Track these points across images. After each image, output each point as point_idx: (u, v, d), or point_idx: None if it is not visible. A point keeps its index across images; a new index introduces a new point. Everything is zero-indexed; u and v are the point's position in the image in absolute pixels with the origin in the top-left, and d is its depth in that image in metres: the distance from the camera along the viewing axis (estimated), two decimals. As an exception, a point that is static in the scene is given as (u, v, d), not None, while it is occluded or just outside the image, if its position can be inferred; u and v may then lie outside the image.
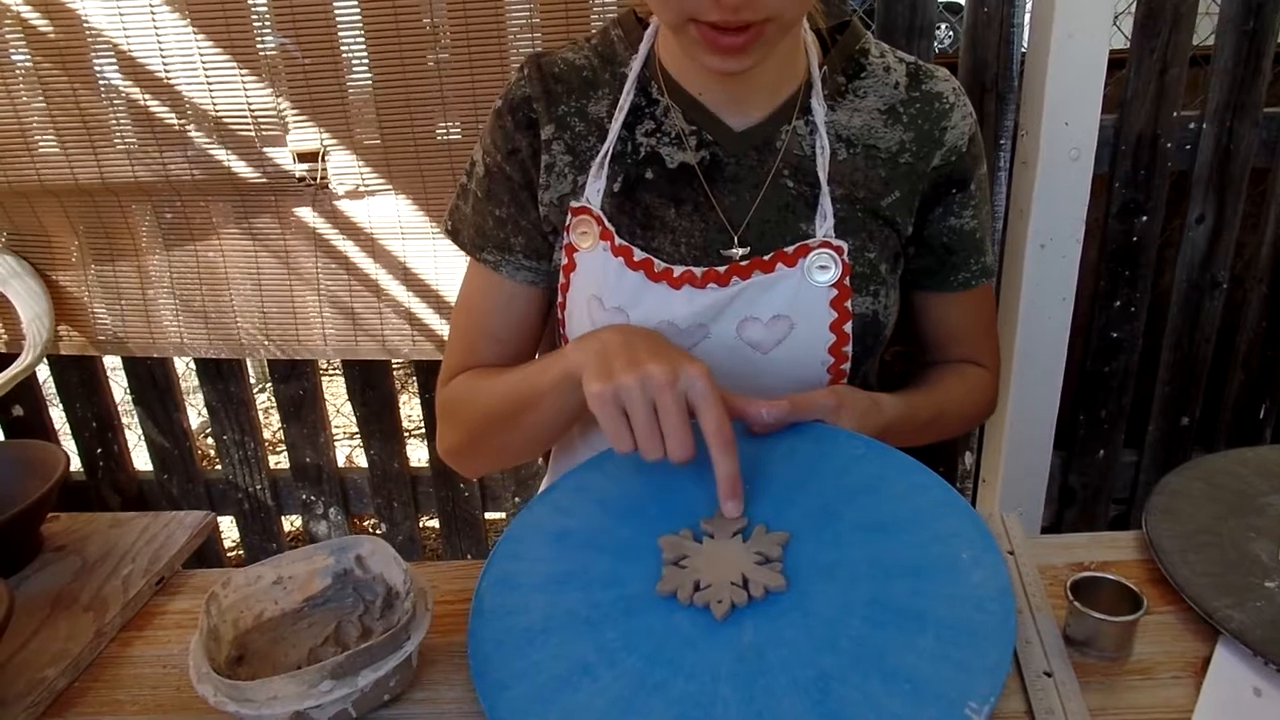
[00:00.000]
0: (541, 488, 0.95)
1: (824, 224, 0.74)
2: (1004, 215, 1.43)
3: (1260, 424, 1.65)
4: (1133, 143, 1.41)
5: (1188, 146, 1.43)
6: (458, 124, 1.38)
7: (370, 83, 1.36)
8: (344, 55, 1.35)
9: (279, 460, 1.83)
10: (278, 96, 1.37)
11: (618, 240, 0.75)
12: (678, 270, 0.74)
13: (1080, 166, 1.34)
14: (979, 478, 1.65)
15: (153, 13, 1.32)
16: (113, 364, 1.76)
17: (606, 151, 0.76)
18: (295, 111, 1.38)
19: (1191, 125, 1.42)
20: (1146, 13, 1.33)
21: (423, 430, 1.80)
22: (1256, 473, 0.77)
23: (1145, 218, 1.46)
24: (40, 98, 1.40)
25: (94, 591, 0.72)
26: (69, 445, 1.82)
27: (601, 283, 0.76)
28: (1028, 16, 1.35)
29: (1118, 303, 1.52)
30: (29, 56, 1.38)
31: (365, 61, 1.35)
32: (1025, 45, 1.37)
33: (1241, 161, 1.43)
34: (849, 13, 1.14)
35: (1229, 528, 0.70)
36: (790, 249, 0.74)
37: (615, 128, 0.76)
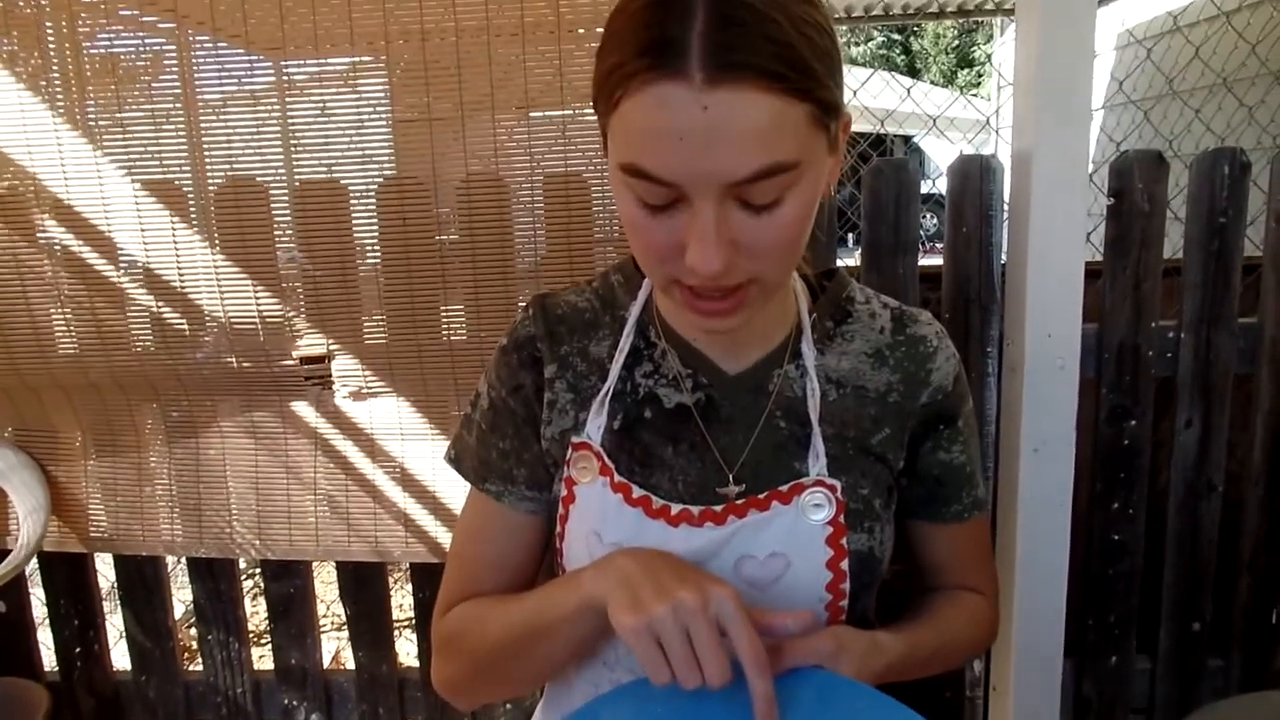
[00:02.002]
0: (536, 717, 0.92)
1: (816, 463, 0.76)
2: (995, 420, 1.46)
3: (1274, 629, 1.60)
4: (1115, 351, 1.45)
5: (1169, 354, 1.47)
6: (462, 328, 1.44)
7: (378, 283, 1.42)
8: (356, 244, 1.41)
9: (263, 657, 1.77)
10: (287, 305, 1.43)
11: (617, 476, 0.76)
12: (675, 508, 0.75)
13: (1067, 375, 1.38)
14: (989, 685, 1.59)
15: (174, 229, 1.40)
16: (103, 557, 1.73)
17: (607, 391, 0.78)
18: (304, 320, 1.43)
19: (1170, 334, 1.47)
20: (1116, 233, 1.41)
21: (413, 622, 1.75)
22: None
23: (1134, 421, 1.48)
24: (57, 302, 1.46)
25: None
26: (45, 637, 1.77)
27: (600, 518, 0.77)
28: (1005, 232, 1.43)
29: (1115, 505, 1.52)
30: (50, 265, 1.45)
31: (375, 260, 1.42)
32: (1004, 259, 1.44)
33: (1222, 369, 1.47)
34: (833, 261, 1.20)
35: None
36: (785, 488, 0.75)
37: (615, 369, 0.79)
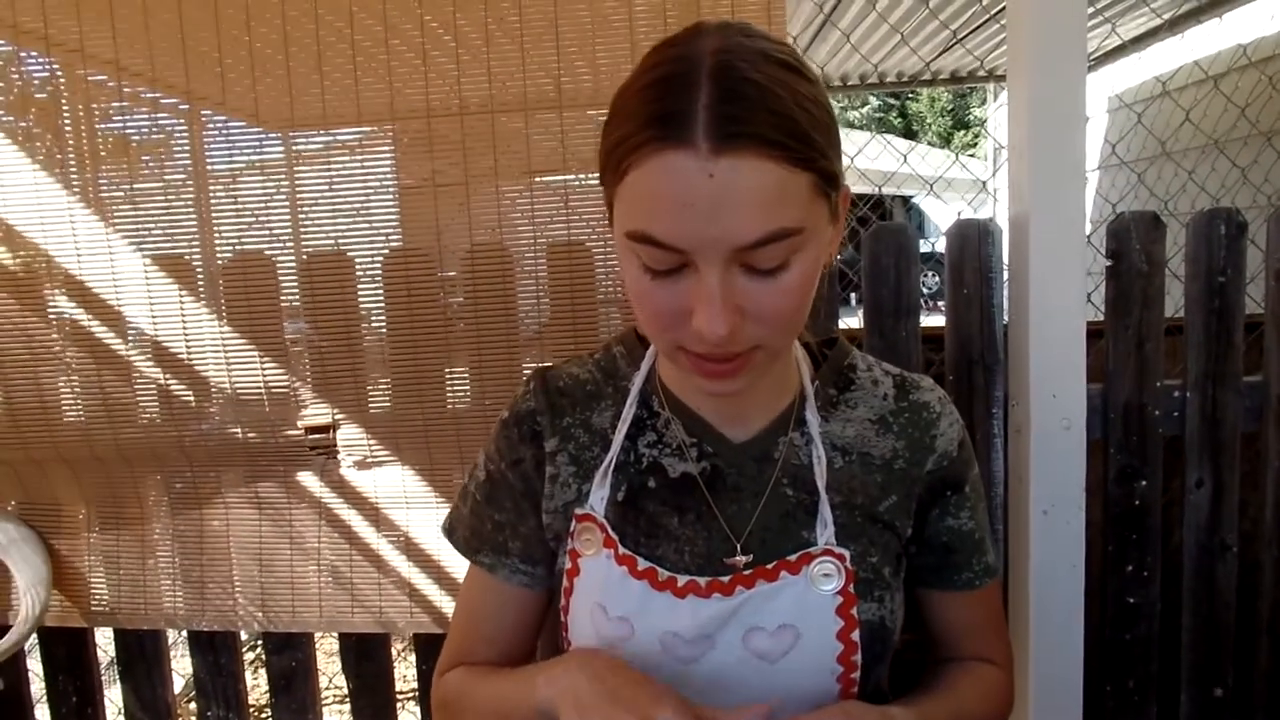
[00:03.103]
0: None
1: (825, 532, 0.75)
2: (1004, 482, 1.45)
3: (1298, 694, 1.56)
4: (1121, 411, 1.45)
5: (1175, 413, 1.47)
6: (466, 396, 1.44)
7: (383, 354, 1.42)
8: (361, 314, 1.43)
9: (263, 734, 1.73)
10: (293, 375, 1.43)
11: (621, 549, 0.76)
12: (682, 580, 0.74)
13: (1073, 435, 1.37)
14: (1007, 756, 1.54)
15: (182, 302, 1.42)
16: (103, 630, 1.71)
17: (610, 461, 0.78)
18: (309, 390, 1.44)
19: (1176, 393, 1.46)
20: (1116, 294, 1.42)
21: (416, 694, 1.71)
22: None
23: (1144, 481, 1.47)
24: (65, 375, 1.47)
25: None
26: (43, 715, 1.73)
27: (605, 591, 0.76)
28: (1006, 294, 1.44)
29: (1130, 567, 1.49)
30: (59, 339, 1.46)
31: (381, 331, 1.43)
32: (1006, 320, 1.45)
33: (1230, 427, 1.46)
34: (833, 330, 1.21)
35: None
36: (793, 557, 0.75)
37: (619, 439, 0.79)
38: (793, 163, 0.60)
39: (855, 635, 0.74)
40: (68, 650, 1.67)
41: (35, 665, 1.73)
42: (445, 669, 0.85)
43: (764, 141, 0.59)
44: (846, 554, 0.74)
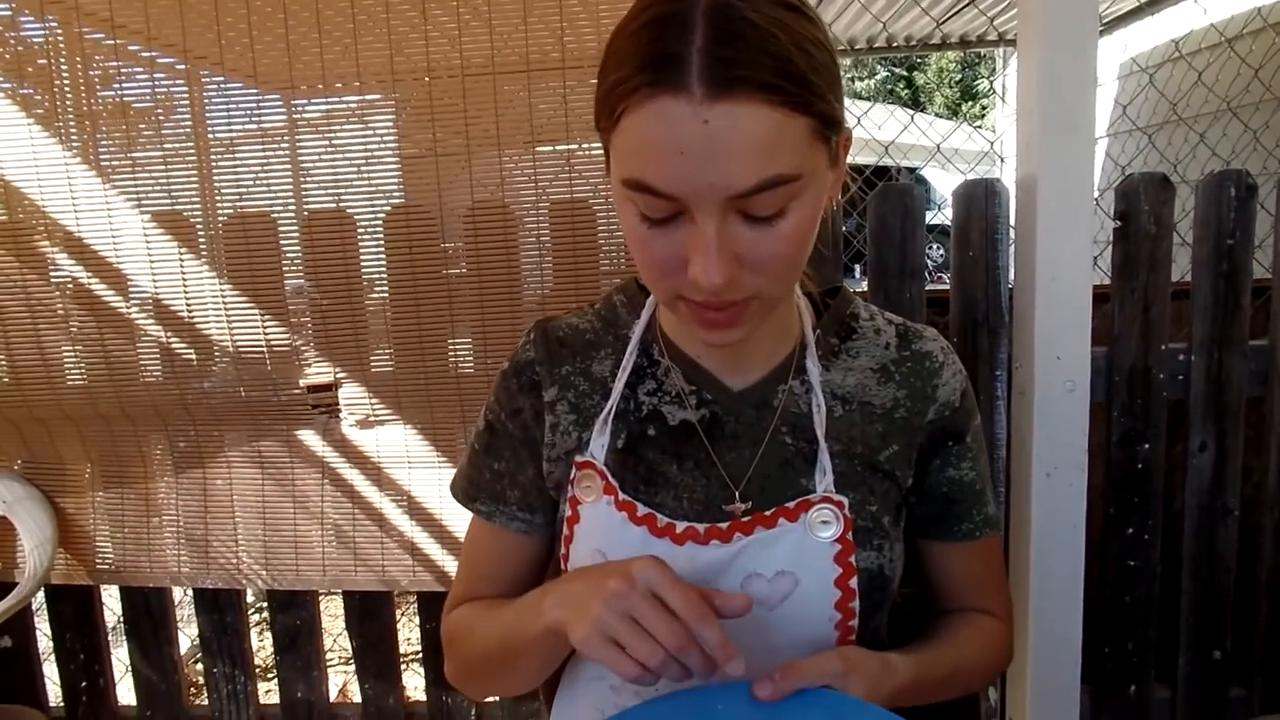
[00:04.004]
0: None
1: (824, 479, 0.75)
2: (1006, 444, 1.45)
3: (1296, 657, 1.57)
4: (1126, 374, 1.44)
5: (1180, 377, 1.46)
6: (469, 358, 1.44)
7: (385, 313, 1.42)
8: (363, 281, 1.42)
9: (269, 691, 1.75)
10: (294, 335, 1.43)
11: (621, 496, 0.76)
12: (680, 526, 0.74)
13: (1077, 397, 1.36)
14: (1005, 716, 1.56)
15: (182, 261, 1.41)
16: (109, 589, 1.73)
17: (610, 409, 0.78)
18: (311, 349, 1.43)
19: (1181, 357, 1.46)
20: (1123, 256, 1.41)
21: (420, 655, 1.73)
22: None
23: (1147, 445, 1.47)
24: (67, 334, 1.47)
25: None
26: (50, 671, 1.75)
27: (605, 537, 0.76)
28: (1012, 256, 1.43)
29: (1130, 530, 1.50)
30: (60, 298, 1.46)
31: (383, 291, 1.43)
32: (1011, 282, 1.44)
33: (1235, 391, 1.45)
34: (838, 280, 1.21)
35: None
36: (792, 504, 0.74)
37: (619, 387, 0.78)
38: (790, 107, 0.58)
39: (853, 583, 0.74)
40: (75, 609, 1.68)
41: (44, 626, 1.75)
42: (453, 604, 0.87)
43: (760, 86, 0.57)
44: (845, 501, 0.74)
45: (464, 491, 0.86)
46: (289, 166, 1.42)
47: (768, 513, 0.74)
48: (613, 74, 0.62)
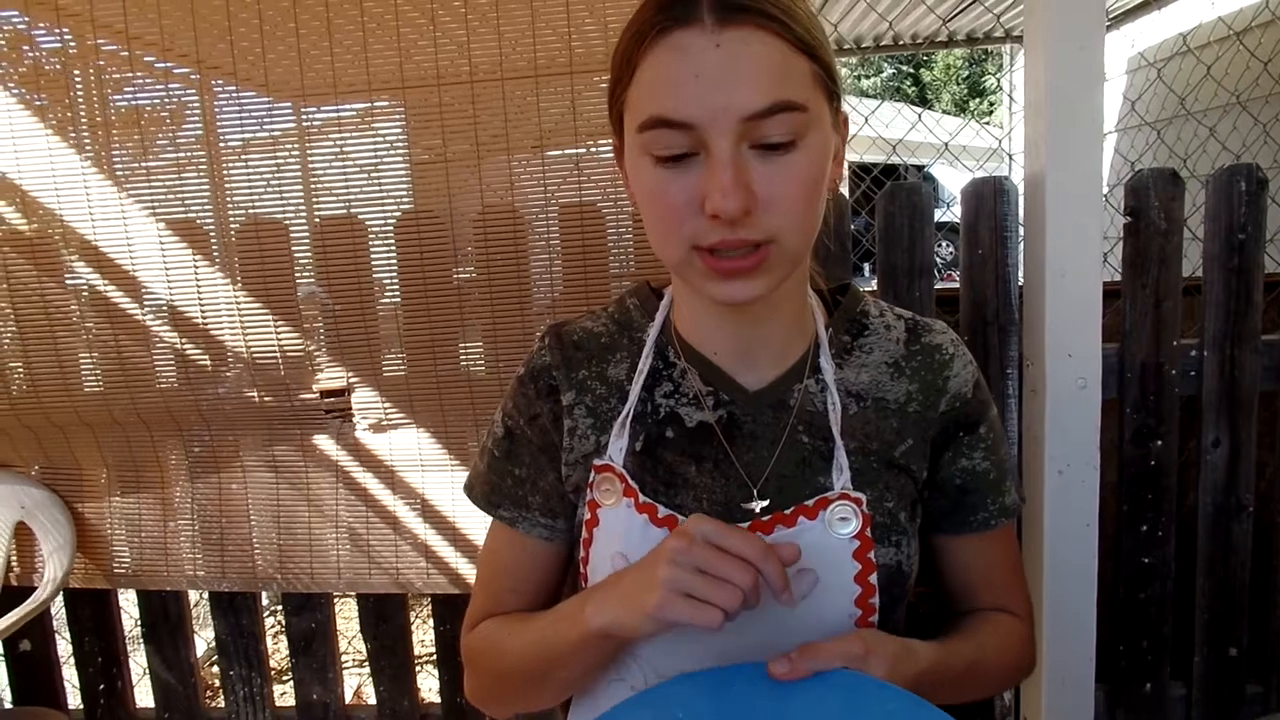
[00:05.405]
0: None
1: (841, 477, 0.76)
2: (1018, 442, 1.44)
3: (1313, 653, 1.56)
4: (1138, 370, 1.44)
5: (1192, 373, 1.46)
6: (481, 361, 1.45)
7: (397, 318, 1.43)
8: (375, 286, 1.43)
9: (284, 693, 1.76)
10: (307, 340, 1.44)
11: (641, 498, 0.76)
12: None
13: (1088, 395, 1.36)
14: (1020, 715, 1.56)
15: (196, 268, 1.43)
16: (126, 593, 1.74)
17: (628, 413, 0.78)
18: (324, 354, 1.44)
19: (1193, 353, 1.45)
20: (1134, 252, 1.40)
21: (434, 657, 1.74)
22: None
23: (1160, 442, 1.46)
24: (83, 341, 1.48)
25: None
26: (70, 675, 1.77)
27: (626, 539, 0.76)
28: (1021, 254, 1.43)
29: (1144, 527, 1.49)
30: (76, 304, 1.47)
31: (394, 296, 1.43)
32: (1021, 280, 1.44)
33: (1248, 387, 1.45)
34: (847, 277, 1.21)
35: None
36: (810, 502, 0.75)
37: (635, 390, 0.79)
38: (794, 44, 0.64)
39: (873, 578, 0.75)
40: (93, 612, 1.70)
41: (63, 630, 1.76)
42: (474, 620, 0.86)
43: (767, 16, 0.63)
44: (863, 498, 0.75)
45: (486, 498, 0.85)
46: (300, 173, 1.43)
47: (787, 511, 0.75)
48: (628, 33, 0.67)
